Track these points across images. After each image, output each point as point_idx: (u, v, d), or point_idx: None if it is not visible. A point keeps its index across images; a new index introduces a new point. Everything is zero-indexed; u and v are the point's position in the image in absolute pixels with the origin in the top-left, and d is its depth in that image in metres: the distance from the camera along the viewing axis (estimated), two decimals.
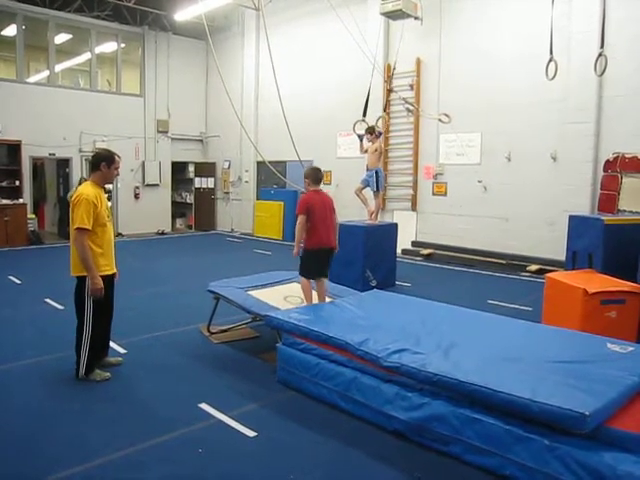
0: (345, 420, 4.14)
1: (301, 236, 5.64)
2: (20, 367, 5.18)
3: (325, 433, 3.94)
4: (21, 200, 13.85)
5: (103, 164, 4.82)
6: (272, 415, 4.25)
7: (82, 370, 4.79)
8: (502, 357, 3.90)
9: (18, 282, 9.12)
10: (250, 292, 6.10)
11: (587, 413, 2.95)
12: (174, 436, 3.87)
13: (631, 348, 4.05)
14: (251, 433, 3.91)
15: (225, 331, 6.23)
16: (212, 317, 6.15)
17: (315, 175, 5.89)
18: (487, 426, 3.38)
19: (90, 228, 4.60)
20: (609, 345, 4.10)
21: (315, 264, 5.73)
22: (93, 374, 4.83)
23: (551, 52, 8.42)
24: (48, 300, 7.71)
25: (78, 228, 4.56)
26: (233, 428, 3.99)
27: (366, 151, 9.42)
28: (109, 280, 4.89)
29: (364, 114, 10.32)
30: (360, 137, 9.37)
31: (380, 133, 9.65)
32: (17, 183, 13.87)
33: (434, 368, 3.68)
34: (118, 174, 5.08)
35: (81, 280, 4.72)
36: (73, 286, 4.80)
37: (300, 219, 5.58)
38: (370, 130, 9.25)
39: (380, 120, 10.88)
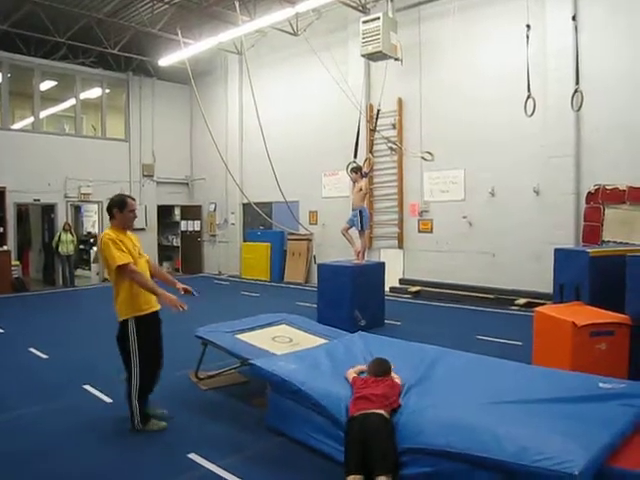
0: (339, 469, 3.99)
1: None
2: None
3: None
4: (5, 247, 13.71)
5: (115, 210, 4.71)
6: (263, 464, 4.13)
7: (138, 420, 4.65)
8: (490, 402, 3.81)
9: (1, 331, 8.94)
10: (238, 336, 6.02)
11: (576, 473, 2.86)
12: None
13: (622, 385, 4.00)
14: None
15: (213, 377, 6.12)
16: (200, 363, 6.04)
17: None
18: None
19: (130, 260, 4.51)
20: (601, 384, 4.03)
21: None
22: (150, 424, 4.70)
23: (529, 89, 8.66)
24: (32, 349, 7.54)
25: (119, 266, 4.46)
26: (223, 478, 3.87)
27: None
28: (153, 319, 4.78)
29: (355, 155, 10.38)
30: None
31: (366, 174, 9.66)
32: (1, 230, 13.75)
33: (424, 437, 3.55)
34: (135, 216, 4.89)
35: (124, 325, 4.60)
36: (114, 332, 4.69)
37: None
38: (354, 169, 9.31)
39: (367, 161, 10.92)
